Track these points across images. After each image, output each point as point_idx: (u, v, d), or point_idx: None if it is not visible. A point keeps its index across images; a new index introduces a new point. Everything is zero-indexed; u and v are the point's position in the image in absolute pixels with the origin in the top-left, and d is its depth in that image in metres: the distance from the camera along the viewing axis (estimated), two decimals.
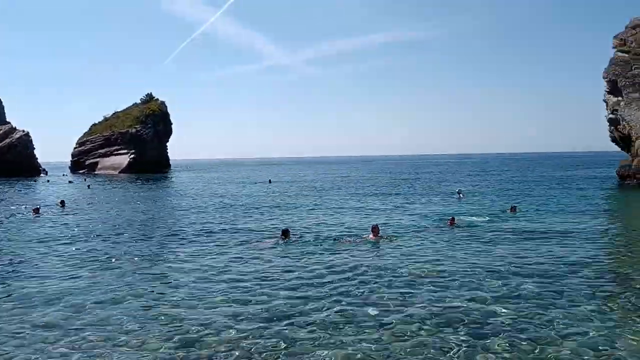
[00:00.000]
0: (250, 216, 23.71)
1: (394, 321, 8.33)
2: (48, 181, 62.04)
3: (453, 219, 19.22)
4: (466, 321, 8.29)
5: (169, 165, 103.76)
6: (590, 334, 7.66)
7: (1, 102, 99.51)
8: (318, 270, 12.10)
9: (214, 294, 10.22)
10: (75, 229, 20.00)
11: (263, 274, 11.80)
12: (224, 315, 8.82)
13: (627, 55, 39.73)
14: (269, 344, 7.49)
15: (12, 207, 29.51)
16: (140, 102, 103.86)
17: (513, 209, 23.06)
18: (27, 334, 8.06)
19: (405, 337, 7.66)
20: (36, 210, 25.80)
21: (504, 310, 8.81)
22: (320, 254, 14.15)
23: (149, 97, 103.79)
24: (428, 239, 16.38)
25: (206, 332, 8.02)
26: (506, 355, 6.98)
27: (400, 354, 7.08)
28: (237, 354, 7.18)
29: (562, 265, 12.12)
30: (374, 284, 10.78)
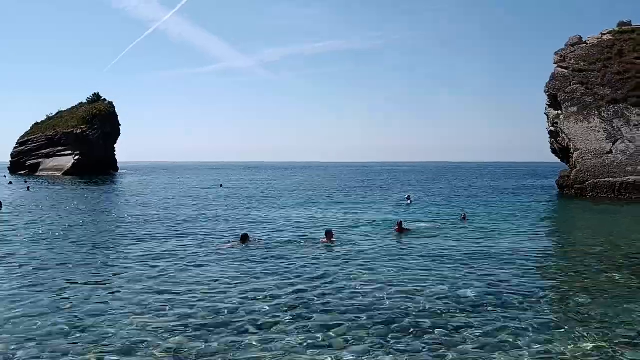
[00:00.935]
0: (201, 221, 23.30)
1: (345, 326, 8.40)
2: None
3: (400, 223, 19.56)
4: (413, 330, 8.44)
5: (117, 167, 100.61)
6: (527, 341, 7.90)
7: None
8: (274, 275, 12.08)
9: (158, 303, 9.95)
10: (10, 233, 19.03)
11: (215, 280, 11.63)
12: (166, 322, 8.62)
13: (566, 71, 41.87)
14: (209, 351, 7.37)
15: None
16: (86, 102, 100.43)
17: (464, 216, 23.69)
18: None
19: (355, 342, 7.74)
20: None
21: (450, 318, 9.04)
22: (278, 258, 14.20)
23: (96, 97, 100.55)
24: (377, 244, 16.66)
25: (142, 343, 7.75)
26: None
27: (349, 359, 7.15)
28: None
29: (504, 274, 12.49)
30: (326, 288, 10.85)
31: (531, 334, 8.08)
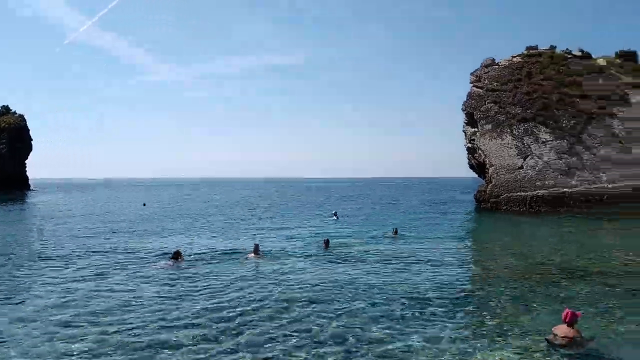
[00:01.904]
0: (126, 240, 22.08)
1: (265, 341, 8.18)
2: None
3: (327, 241, 19.61)
4: (332, 342, 8.38)
5: (28, 184, 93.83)
6: (447, 353, 7.98)
7: None
8: (194, 291, 11.72)
9: (78, 326, 9.22)
10: None
11: (133, 300, 10.96)
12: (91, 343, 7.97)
13: (481, 90, 44.41)
14: None
15: None
16: None
17: (395, 231, 23.86)
18: None
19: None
20: None
21: (373, 329, 9.07)
22: (205, 274, 14.18)
23: (5, 110, 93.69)
24: (304, 260, 16.61)
25: None
26: None
27: None
28: None
29: (427, 286, 12.76)
30: (253, 304, 10.72)
31: (446, 340, 8.35)
